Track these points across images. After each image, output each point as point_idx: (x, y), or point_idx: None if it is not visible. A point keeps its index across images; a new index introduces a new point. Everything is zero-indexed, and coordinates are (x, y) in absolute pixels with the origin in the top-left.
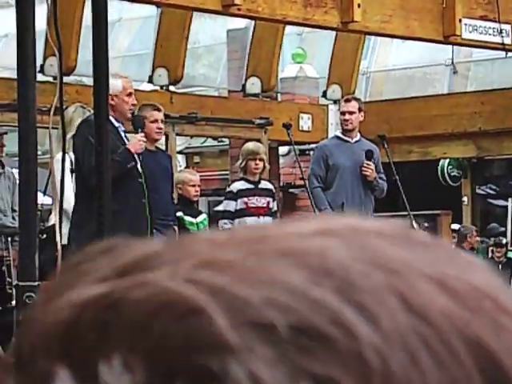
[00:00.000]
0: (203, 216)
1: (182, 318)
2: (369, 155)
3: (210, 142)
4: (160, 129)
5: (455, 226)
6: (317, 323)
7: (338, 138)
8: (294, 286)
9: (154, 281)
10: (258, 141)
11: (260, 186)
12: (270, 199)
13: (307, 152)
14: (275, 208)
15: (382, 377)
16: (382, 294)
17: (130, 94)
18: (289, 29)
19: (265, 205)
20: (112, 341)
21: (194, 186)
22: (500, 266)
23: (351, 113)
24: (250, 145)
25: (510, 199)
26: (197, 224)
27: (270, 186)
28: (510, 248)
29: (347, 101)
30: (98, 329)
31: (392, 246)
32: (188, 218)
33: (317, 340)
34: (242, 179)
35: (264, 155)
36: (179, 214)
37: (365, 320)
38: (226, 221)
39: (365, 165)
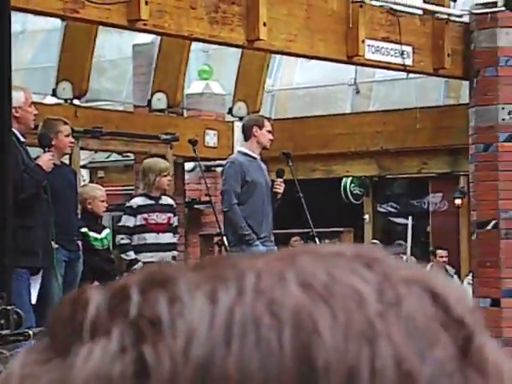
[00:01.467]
0: (107, 231)
1: None
2: (280, 174)
3: (114, 156)
4: (72, 143)
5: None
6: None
7: (245, 154)
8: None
9: None
10: (163, 156)
11: (161, 201)
12: (171, 215)
13: (213, 168)
14: (176, 223)
15: None
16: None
17: (31, 105)
18: (195, 45)
19: (165, 221)
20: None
21: (103, 201)
22: None
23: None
24: (161, 162)
25: (409, 217)
26: (101, 240)
27: (170, 201)
28: None
29: (269, 119)
30: None
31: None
32: (93, 234)
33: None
34: (142, 195)
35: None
36: (84, 229)
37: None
38: (123, 236)
39: (278, 183)
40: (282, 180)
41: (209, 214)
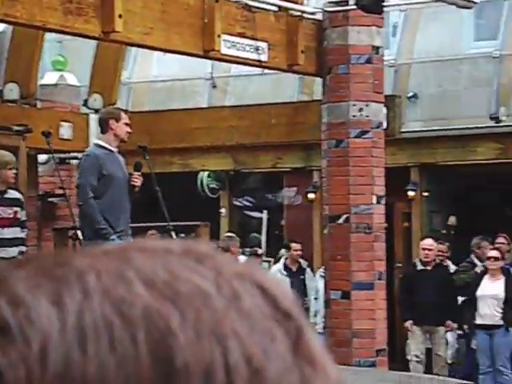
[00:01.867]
0: None
1: None
2: (138, 167)
3: None
4: None
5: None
6: None
7: (102, 147)
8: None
9: None
10: (17, 148)
11: (6, 195)
12: (18, 209)
13: (67, 161)
14: (24, 218)
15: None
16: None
17: None
18: (49, 35)
19: (11, 215)
20: None
21: None
22: None
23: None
24: (6, 155)
25: (264, 211)
26: None
27: (18, 195)
28: (264, 259)
29: (126, 112)
30: None
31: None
32: None
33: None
34: None
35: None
36: None
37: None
38: None
39: (136, 176)
40: (139, 173)
41: (63, 207)
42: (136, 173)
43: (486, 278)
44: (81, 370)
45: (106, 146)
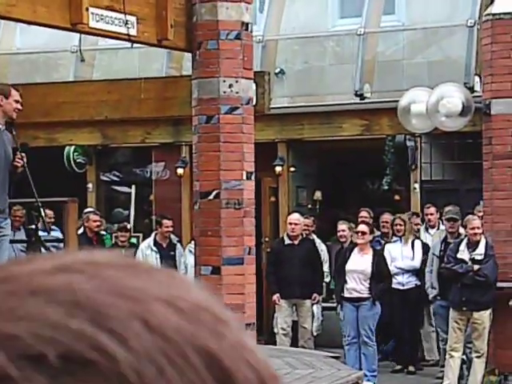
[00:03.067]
0: None
1: None
2: (25, 148)
3: None
4: None
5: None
6: (79, 350)
7: None
8: (52, 320)
9: None
10: None
11: None
12: None
13: None
14: None
15: None
16: (127, 320)
17: None
18: None
19: None
20: None
21: None
22: (123, 251)
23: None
24: None
25: (133, 186)
26: None
27: None
28: (133, 234)
29: (17, 90)
30: None
31: (125, 275)
32: None
33: (82, 364)
34: None
35: None
36: None
37: (118, 343)
38: None
39: (19, 156)
40: (24, 154)
41: None
42: (21, 154)
43: (355, 253)
44: None
45: None
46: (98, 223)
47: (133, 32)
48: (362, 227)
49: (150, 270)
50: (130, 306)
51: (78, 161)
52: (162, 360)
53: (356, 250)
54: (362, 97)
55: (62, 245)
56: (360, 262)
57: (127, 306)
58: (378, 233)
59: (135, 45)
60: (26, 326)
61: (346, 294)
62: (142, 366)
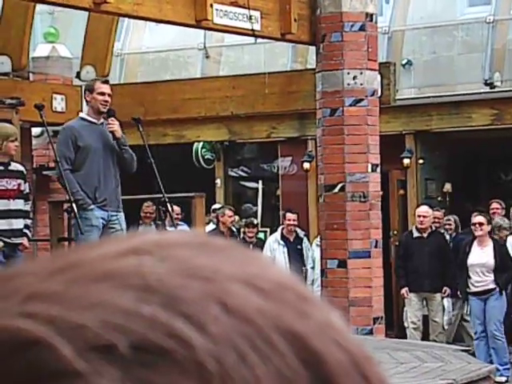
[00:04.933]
0: None
1: (23, 352)
2: (111, 113)
3: None
4: None
5: (217, 206)
6: (153, 339)
7: (83, 119)
8: (123, 307)
9: None
10: (10, 121)
11: (10, 167)
12: (22, 181)
13: None
14: (27, 190)
15: (220, 377)
16: (204, 302)
17: None
18: (40, 7)
19: (15, 187)
20: None
21: None
22: (251, 247)
23: (110, 95)
24: (8, 127)
25: (260, 181)
26: None
27: (20, 167)
28: (260, 229)
29: (106, 82)
30: None
31: (198, 254)
32: None
33: (156, 354)
34: None
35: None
36: None
37: (194, 328)
38: None
39: (109, 121)
40: (112, 118)
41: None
42: (110, 119)
43: (475, 246)
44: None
45: (87, 117)
46: (233, 219)
47: (257, 27)
48: (479, 218)
49: (225, 247)
50: (206, 288)
51: (206, 157)
52: (243, 345)
53: (475, 242)
54: (491, 86)
55: None
56: (481, 255)
57: (203, 288)
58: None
59: (260, 40)
60: (94, 315)
61: (472, 289)
62: (222, 352)
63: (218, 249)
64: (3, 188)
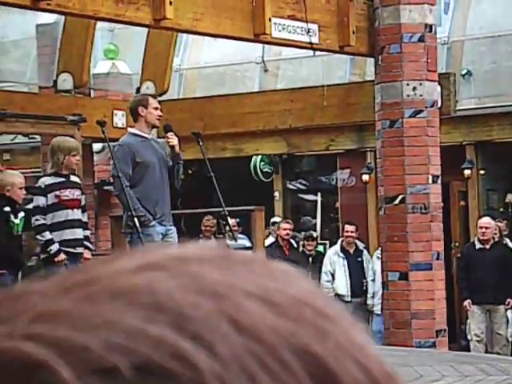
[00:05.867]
0: (21, 214)
1: (24, 375)
2: (168, 128)
3: (20, 138)
4: None
5: (276, 219)
6: (158, 360)
7: (135, 135)
8: (130, 327)
9: None
10: (72, 137)
11: (71, 179)
12: (79, 192)
13: None
14: (84, 202)
15: None
16: (214, 321)
17: None
18: (100, 24)
19: (78, 197)
20: None
21: (21, 188)
22: (311, 259)
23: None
24: (71, 141)
25: (318, 194)
26: (17, 225)
27: (78, 180)
28: (319, 241)
29: (154, 97)
30: None
31: (214, 269)
32: (12, 219)
33: (160, 376)
34: (51, 174)
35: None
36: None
37: (202, 349)
38: (37, 217)
39: (169, 136)
40: (171, 133)
41: None
42: (169, 134)
43: None
44: None
45: (139, 133)
46: (288, 231)
47: (315, 40)
48: None
49: (248, 261)
50: (217, 305)
51: (264, 170)
52: (253, 366)
53: None
54: None
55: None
56: None
57: (214, 305)
58: None
59: (318, 53)
60: (99, 335)
61: None
62: (230, 374)
63: (240, 263)
64: (67, 198)
